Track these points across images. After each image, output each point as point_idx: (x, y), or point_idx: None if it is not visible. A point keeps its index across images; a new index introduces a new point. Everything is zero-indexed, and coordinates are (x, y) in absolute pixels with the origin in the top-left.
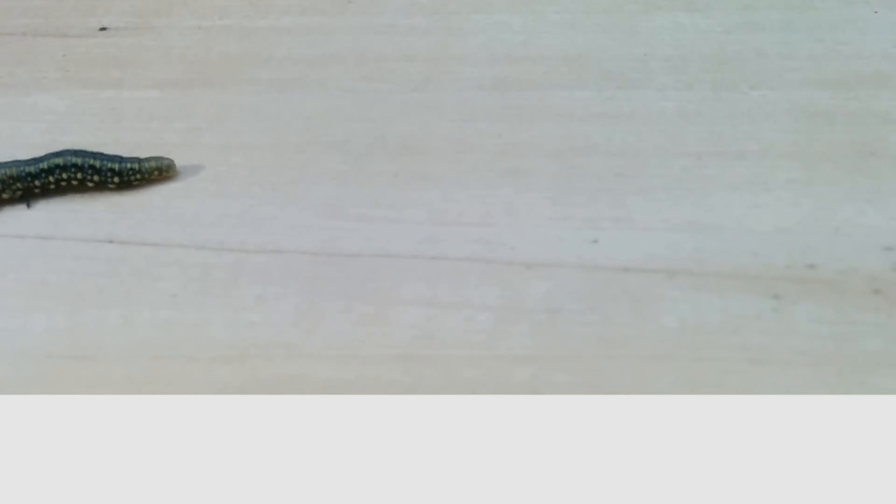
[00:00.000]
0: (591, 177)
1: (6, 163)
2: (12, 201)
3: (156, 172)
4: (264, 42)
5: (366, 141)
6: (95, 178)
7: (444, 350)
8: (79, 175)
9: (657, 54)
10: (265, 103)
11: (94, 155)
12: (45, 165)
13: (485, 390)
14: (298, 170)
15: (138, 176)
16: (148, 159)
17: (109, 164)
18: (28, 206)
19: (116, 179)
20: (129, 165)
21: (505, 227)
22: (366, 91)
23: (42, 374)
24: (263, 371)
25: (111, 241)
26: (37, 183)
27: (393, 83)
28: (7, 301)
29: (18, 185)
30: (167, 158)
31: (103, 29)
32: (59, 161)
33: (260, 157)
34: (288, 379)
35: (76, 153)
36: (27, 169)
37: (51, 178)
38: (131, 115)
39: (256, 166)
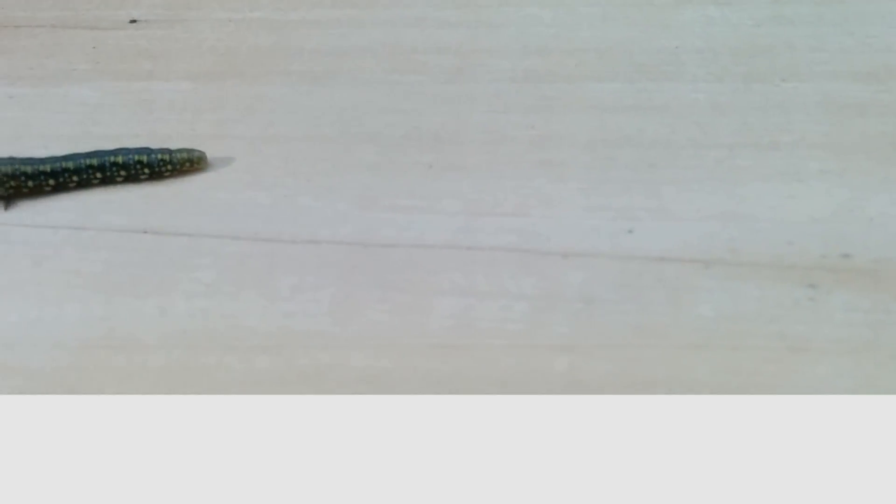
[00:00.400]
0: (624, 168)
1: (34, 159)
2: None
3: (187, 164)
4: (295, 34)
5: (399, 132)
6: (123, 172)
7: (482, 339)
8: (106, 172)
9: (688, 47)
10: (297, 95)
11: (120, 151)
12: (70, 165)
13: (523, 379)
14: (332, 161)
15: (169, 167)
16: (179, 150)
17: (137, 157)
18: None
19: (147, 171)
20: (158, 157)
21: (540, 217)
22: (398, 83)
23: (77, 363)
24: (301, 361)
25: (145, 232)
26: (74, 179)
27: (425, 75)
28: (42, 291)
29: (51, 181)
30: (198, 150)
31: (133, 21)
32: (94, 162)
33: (293, 148)
34: (326, 369)
35: (113, 152)
36: (64, 165)
37: (75, 178)
38: (163, 107)
39: (289, 157)
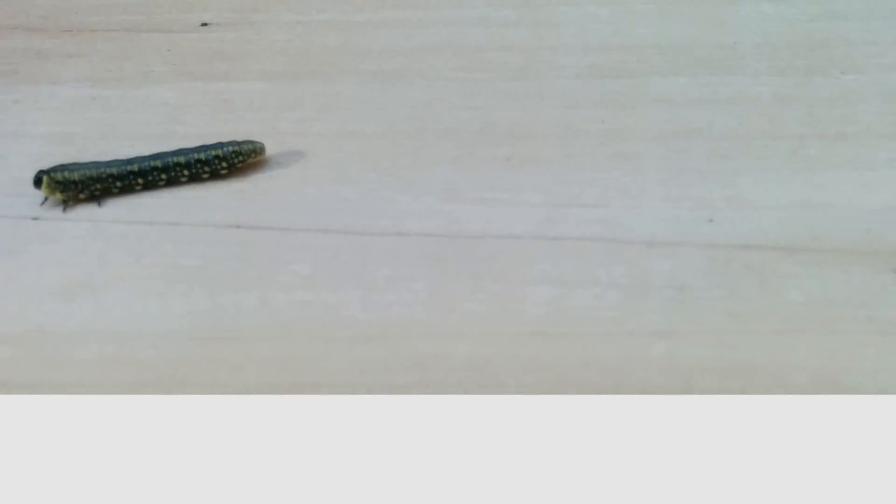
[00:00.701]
0: (698, 159)
1: (101, 162)
2: (91, 200)
3: (252, 155)
4: (362, 35)
5: (473, 128)
6: (186, 172)
7: (579, 326)
8: (172, 173)
9: (746, 42)
10: (370, 93)
11: (182, 151)
12: (135, 168)
13: (623, 364)
14: (411, 156)
15: (225, 163)
16: (229, 144)
17: (197, 156)
18: (99, 204)
19: (207, 169)
20: (213, 153)
21: (620, 208)
22: (466, 81)
23: (188, 355)
24: (404, 349)
25: (239, 227)
26: (118, 184)
27: (492, 73)
28: (144, 285)
29: (98, 185)
30: (258, 142)
31: (205, 24)
32: (158, 163)
33: (372, 144)
34: (429, 357)
35: (175, 153)
36: (109, 171)
37: (140, 180)
38: (242, 106)
39: (370, 153)
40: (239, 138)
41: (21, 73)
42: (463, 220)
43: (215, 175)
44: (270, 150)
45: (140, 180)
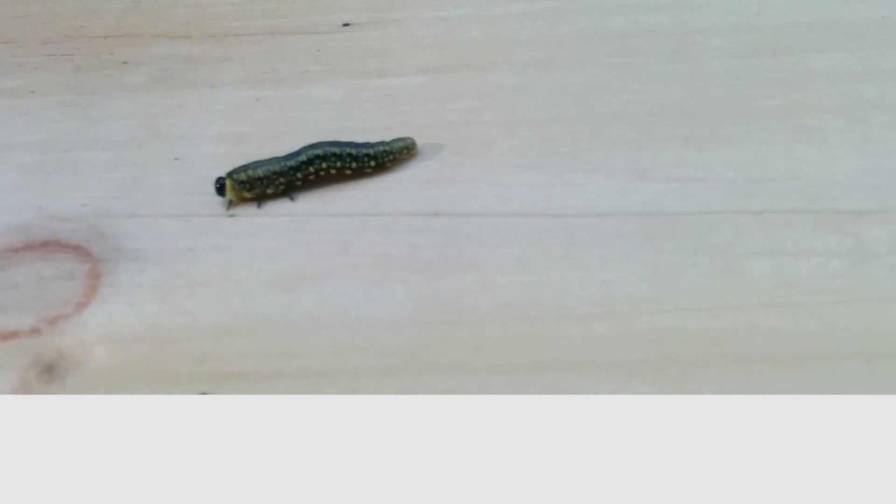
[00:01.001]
0: (880, 129)
1: (267, 160)
2: (275, 196)
3: (404, 151)
4: (505, 27)
5: (642, 110)
6: (354, 164)
7: (810, 296)
8: (337, 164)
9: (893, 16)
10: (530, 82)
11: (348, 144)
12: (304, 158)
13: (864, 332)
14: (588, 139)
15: (391, 157)
16: (395, 140)
17: (364, 150)
18: (292, 199)
19: (373, 163)
20: (381, 149)
21: (817, 179)
22: (622, 65)
23: (421, 338)
24: (639, 325)
25: (437, 214)
26: (299, 175)
27: (646, 57)
28: (359, 274)
29: (282, 179)
30: (409, 138)
31: (346, 25)
32: (319, 152)
33: (546, 129)
34: (666, 330)
35: (332, 144)
36: (288, 164)
37: (311, 169)
38: (406, 100)
39: (547, 138)
40: (410, 131)
41: (176, 79)
42: (659, 199)
43: (380, 168)
44: (443, 140)
45: (312, 169)
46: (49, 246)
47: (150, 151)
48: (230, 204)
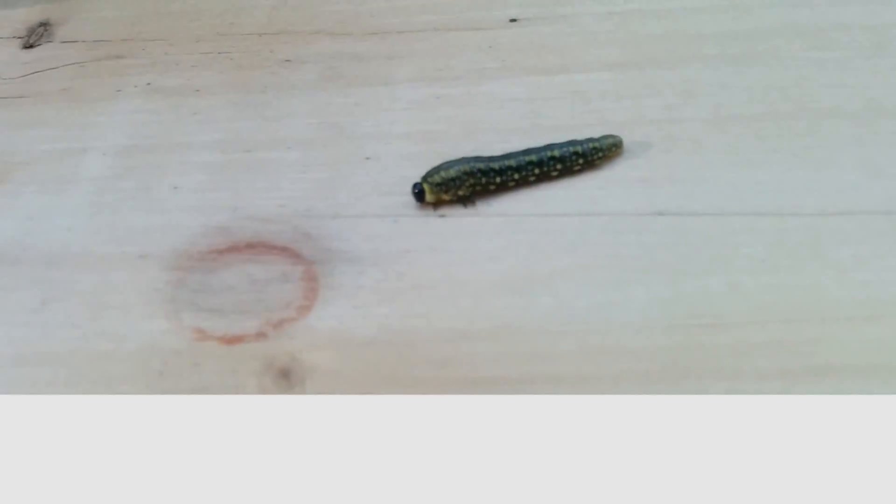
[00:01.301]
0: None
1: (457, 160)
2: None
3: (613, 148)
4: (684, 21)
5: (857, 105)
6: (559, 166)
7: None
8: (559, 166)
9: None
10: (727, 77)
11: (559, 145)
12: (512, 163)
13: None
14: (805, 136)
15: (600, 154)
16: (603, 137)
17: (573, 149)
18: (470, 205)
19: (581, 161)
20: (591, 146)
21: None
22: (822, 60)
23: (676, 342)
24: None
25: (661, 214)
26: (499, 179)
27: (845, 51)
28: (593, 275)
29: (483, 180)
30: (617, 135)
31: (513, 20)
32: (534, 158)
33: (758, 126)
34: None
35: (548, 147)
36: (500, 164)
37: (536, 171)
38: (597, 96)
39: (760, 135)
40: (611, 128)
41: (347, 77)
42: None
43: (588, 166)
44: (645, 136)
45: (516, 175)
46: (255, 248)
47: (339, 151)
48: (433, 207)
